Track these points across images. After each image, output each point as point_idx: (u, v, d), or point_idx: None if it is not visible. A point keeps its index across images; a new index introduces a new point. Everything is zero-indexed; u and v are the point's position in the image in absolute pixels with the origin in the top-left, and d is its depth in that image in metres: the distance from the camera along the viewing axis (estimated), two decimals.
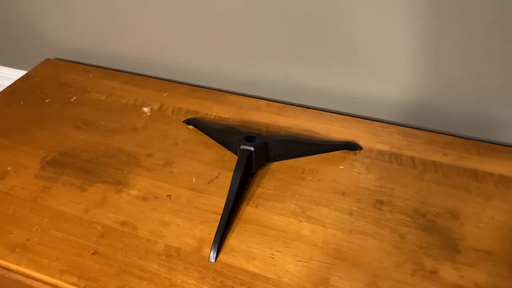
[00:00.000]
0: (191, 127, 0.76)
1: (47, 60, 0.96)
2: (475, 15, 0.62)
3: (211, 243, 0.57)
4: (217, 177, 0.67)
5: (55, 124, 0.78)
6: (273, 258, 0.56)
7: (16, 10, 0.96)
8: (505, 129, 0.71)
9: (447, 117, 0.73)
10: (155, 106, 0.81)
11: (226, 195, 0.62)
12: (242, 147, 0.65)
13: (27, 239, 0.60)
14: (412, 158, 0.68)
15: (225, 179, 0.66)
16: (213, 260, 0.56)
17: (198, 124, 0.76)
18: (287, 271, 0.55)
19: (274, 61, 0.79)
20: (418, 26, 0.66)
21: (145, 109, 0.81)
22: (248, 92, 0.85)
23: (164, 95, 0.84)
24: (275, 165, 0.69)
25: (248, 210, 0.62)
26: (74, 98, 0.85)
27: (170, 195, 0.65)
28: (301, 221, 0.61)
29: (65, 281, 0.55)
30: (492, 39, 0.63)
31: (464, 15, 0.63)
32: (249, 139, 0.66)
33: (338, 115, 0.77)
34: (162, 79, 0.89)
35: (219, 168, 0.69)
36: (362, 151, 0.70)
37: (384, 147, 0.70)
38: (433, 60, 0.69)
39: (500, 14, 0.61)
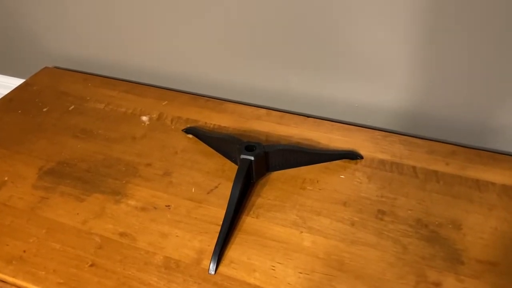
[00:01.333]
0: (190, 136, 0.76)
1: (46, 68, 0.96)
2: (476, 25, 0.62)
3: (211, 254, 0.57)
4: (216, 187, 0.67)
5: (53, 133, 0.78)
6: (274, 270, 0.56)
7: (14, 18, 0.96)
8: (507, 138, 0.71)
9: (449, 126, 0.73)
10: (154, 115, 0.81)
11: (226, 205, 0.61)
12: (242, 156, 0.64)
13: (24, 251, 0.59)
14: (414, 167, 0.68)
15: (225, 189, 0.65)
16: (213, 272, 0.56)
17: (198, 133, 0.75)
18: (289, 284, 0.54)
19: (274, 70, 0.79)
20: (419, 35, 0.65)
21: (144, 118, 0.80)
22: (248, 100, 0.85)
23: (163, 103, 0.83)
24: (276, 174, 0.68)
25: (249, 221, 0.62)
26: (73, 107, 0.84)
27: (169, 206, 0.64)
28: (302, 232, 0.60)
29: None
30: (494, 48, 0.63)
31: (465, 25, 0.62)
32: (249, 148, 0.65)
33: (339, 124, 0.77)
34: (161, 88, 0.88)
35: (218, 178, 0.68)
36: (363, 160, 0.69)
37: (385, 156, 0.70)
38: (435, 69, 0.68)
39: (501, 23, 0.61)
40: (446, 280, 0.54)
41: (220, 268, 0.56)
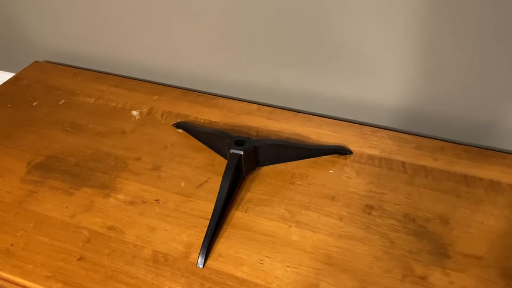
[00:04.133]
0: (180, 131, 0.76)
1: (36, 62, 0.95)
2: (467, 23, 0.62)
3: (199, 248, 0.57)
4: (206, 181, 0.67)
5: (43, 128, 0.77)
6: (261, 263, 0.56)
7: (4, 12, 0.95)
8: (495, 135, 0.71)
9: (438, 122, 0.73)
10: (144, 110, 0.80)
11: (215, 199, 0.61)
12: (232, 151, 0.64)
13: (12, 245, 0.59)
14: (403, 163, 0.68)
15: (214, 184, 0.66)
16: (201, 266, 0.56)
17: (188, 128, 0.75)
18: (276, 277, 0.54)
19: (265, 65, 0.79)
20: (410, 32, 0.66)
21: (134, 113, 0.80)
22: (238, 96, 0.85)
23: (154, 98, 0.83)
24: (265, 169, 0.68)
25: (237, 215, 0.62)
26: (62, 101, 0.84)
27: (158, 200, 0.64)
28: (290, 226, 0.60)
29: None
30: (484, 46, 0.64)
31: (457, 22, 0.63)
32: (239, 143, 0.65)
33: (329, 119, 0.77)
34: (151, 82, 0.88)
35: (208, 172, 0.68)
36: (352, 155, 0.70)
37: (374, 152, 0.70)
38: (425, 65, 0.68)
39: (493, 23, 0.61)
40: (432, 274, 0.54)
41: (208, 261, 0.56)
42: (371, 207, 0.62)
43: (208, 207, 0.62)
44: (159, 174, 0.68)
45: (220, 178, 0.62)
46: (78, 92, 0.85)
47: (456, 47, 0.65)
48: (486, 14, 0.61)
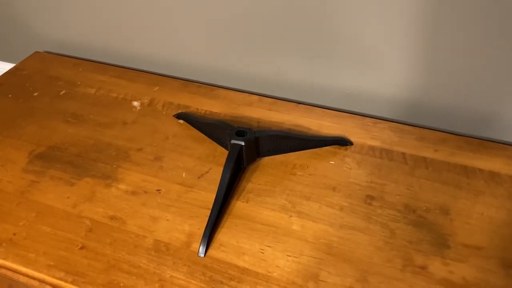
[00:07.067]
0: (181, 121, 0.76)
1: (36, 53, 0.95)
2: (469, 12, 0.62)
3: (201, 238, 0.57)
4: (207, 172, 0.67)
5: (44, 118, 0.77)
6: (263, 253, 0.56)
7: (4, 2, 0.95)
8: (497, 126, 0.71)
9: (440, 113, 0.73)
10: (146, 100, 0.80)
11: (216, 190, 0.61)
12: (233, 141, 0.64)
13: (14, 234, 0.59)
14: (403, 154, 0.68)
15: (215, 174, 0.66)
16: (202, 255, 0.56)
17: (189, 118, 0.75)
18: (277, 266, 0.55)
19: (267, 56, 0.79)
20: (411, 22, 0.66)
21: (135, 103, 0.80)
22: (239, 87, 0.85)
23: (155, 89, 0.83)
24: (266, 160, 0.68)
25: (238, 205, 0.62)
26: (63, 91, 0.84)
27: (159, 190, 0.64)
28: (291, 216, 0.60)
29: (53, 276, 0.54)
30: (485, 37, 0.63)
31: (458, 11, 0.63)
32: (240, 133, 0.65)
33: (330, 110, 0.77)
34: (153, 73, 0.88)
35: (209, 163, 0.68)
36: (353, 146, 0.70)
37: (375, 143, 0.70)
38: (426, 56, 0.68)
39: (494, 11, 0.61)
40: (433, 263, 0.54)
41: (210, 251, 0.57)
42: (371, 197, 0.62)
43: (209, 197, 0.62)
44: (161, 164, 0.68)
45: (221, 169, 0.63)
46: (79, 83, 0.85)
47: (458, 38, 0.65)
48: (488, 5, 0.61)
